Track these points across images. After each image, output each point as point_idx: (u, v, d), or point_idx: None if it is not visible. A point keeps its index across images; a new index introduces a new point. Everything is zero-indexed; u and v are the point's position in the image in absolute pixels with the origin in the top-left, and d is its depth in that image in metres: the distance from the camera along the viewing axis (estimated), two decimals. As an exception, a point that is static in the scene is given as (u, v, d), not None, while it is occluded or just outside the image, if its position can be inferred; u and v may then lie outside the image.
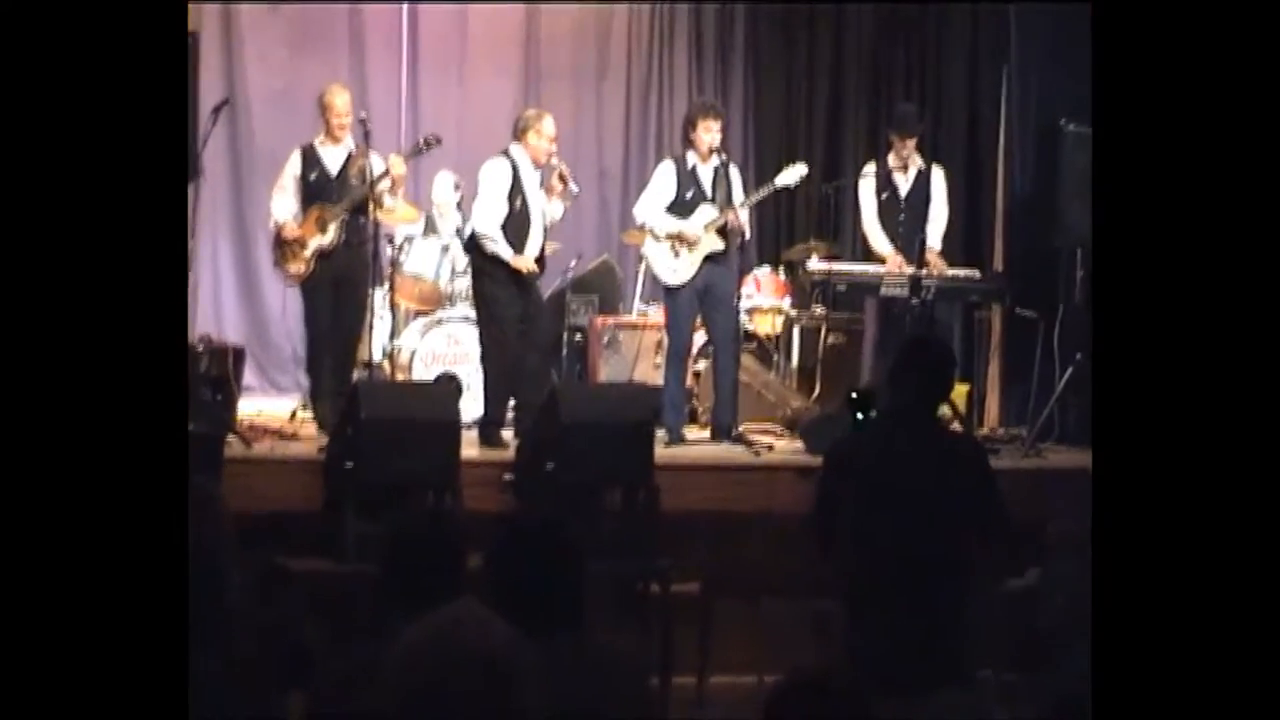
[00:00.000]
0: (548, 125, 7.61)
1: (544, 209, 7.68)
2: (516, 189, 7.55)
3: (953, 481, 4.24)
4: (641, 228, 8.07)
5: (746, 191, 8.08)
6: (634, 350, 8.96)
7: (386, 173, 7.60)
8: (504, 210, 7.52)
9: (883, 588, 4.15)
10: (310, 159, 7.75)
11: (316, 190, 7.69)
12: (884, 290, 8.12)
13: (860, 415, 4.83)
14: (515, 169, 7.57)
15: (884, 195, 8.37)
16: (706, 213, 7.81)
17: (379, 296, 8.13)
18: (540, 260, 7.72)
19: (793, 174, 8.07)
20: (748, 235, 8.10)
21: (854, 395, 4.88)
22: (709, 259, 7.79)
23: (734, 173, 7.98)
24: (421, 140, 8.02)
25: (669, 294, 7.92)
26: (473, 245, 7.65)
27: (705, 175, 7.86)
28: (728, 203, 7.76)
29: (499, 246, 7.49)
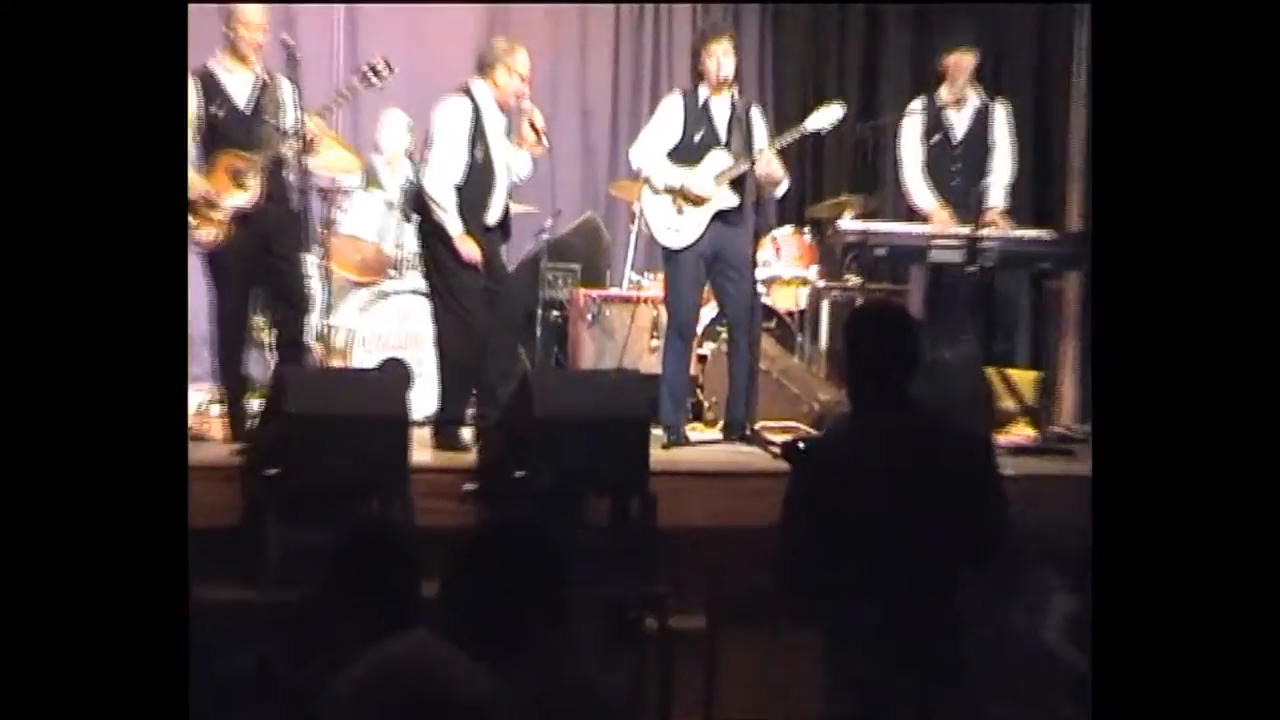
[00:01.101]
0: (520, 61, 7.53)
1: (509, 163, 7.64)
2: (479, 136, 7.49)
3: (943, 472, 4.18)
4: (637, 176, 8.05)
5: (771, 137, 7.98)
6: (625, 330, 8.99)
7: (298, 133, 7.21)
8: (464, 162, 7.47)
9: (866, 603, 4.12)
10: (211, 89, 7.33)
11: (223, 130, 7.33)
12: (933, 255, 8.11)
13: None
14: (477, 112, 7.50)
15: (934, 138, 8.37)
16: (718, 160, 7.78)
17: (310, 263, 8.08)
18: (505, 224, 7.69)
19: (827, 116, 7.92)
20: (786, 185, 8.05)
21: (801, 447, 4.78)
22: (719, 217, 7.77)
23: (755, 114, 7.93)
24: (367, 68, 7.61)
25: (669, 260, 7.92)
26: (424, 203, 7.60)
27: (720, 113, 7.83)
28: (745, 149, 7.71)
29: (448, 217, 7.41)
